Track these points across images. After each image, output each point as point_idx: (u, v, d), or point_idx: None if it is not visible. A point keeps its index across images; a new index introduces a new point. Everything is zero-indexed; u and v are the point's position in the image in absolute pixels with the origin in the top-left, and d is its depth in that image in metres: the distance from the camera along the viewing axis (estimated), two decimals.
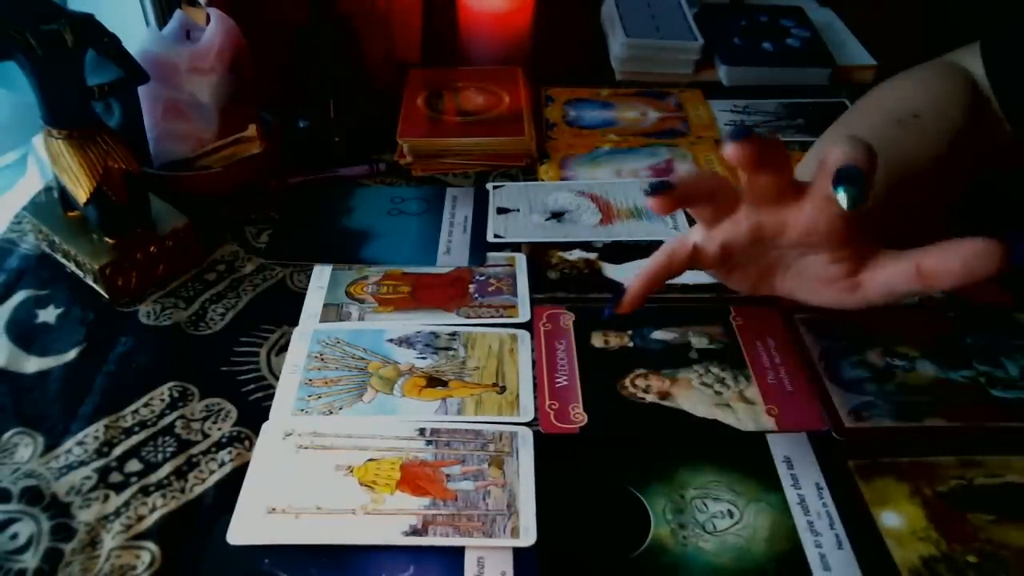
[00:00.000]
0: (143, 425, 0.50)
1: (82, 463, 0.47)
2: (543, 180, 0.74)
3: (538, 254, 0.65)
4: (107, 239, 0.58)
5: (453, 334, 0.57)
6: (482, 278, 0.62)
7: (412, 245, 0.66)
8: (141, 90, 0.61)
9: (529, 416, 0.51)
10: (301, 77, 0.75)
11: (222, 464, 0.48)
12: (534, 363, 0.55)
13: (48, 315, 0.58)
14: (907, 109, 0.55)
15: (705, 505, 0.46)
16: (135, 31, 0.69)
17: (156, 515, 0.45)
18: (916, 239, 0.41)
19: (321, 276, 0.62)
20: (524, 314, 0.59)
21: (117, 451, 0.48)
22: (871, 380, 0.54)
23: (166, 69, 0.66)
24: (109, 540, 0.43)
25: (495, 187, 0.73)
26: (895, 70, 0.63)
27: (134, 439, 0.49)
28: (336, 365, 0.54)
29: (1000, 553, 0.43)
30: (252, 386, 0.53)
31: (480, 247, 0.65)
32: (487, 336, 0.57)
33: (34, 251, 0.63)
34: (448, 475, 0.47)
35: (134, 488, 0.46)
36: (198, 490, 0.46)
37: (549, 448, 0.49)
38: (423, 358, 0.55)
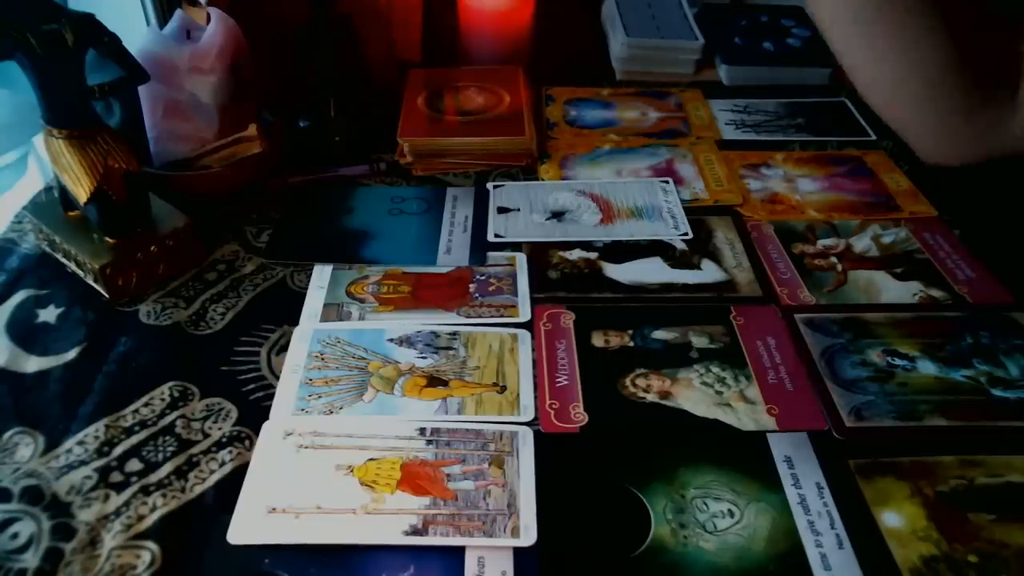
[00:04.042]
0: (143, 425, 0.50)
1: (82, 463, 0.47)
2: (543, 180, 0.74)
3: (538, 254, 0.65)
4: (107, 239, 0.58)
5: (453, 334, 0.57)
6: (482, 278, 0.62)
7: (412, 245, 0.65)
8: (141, 90, 0.61)
9: (529, 416, 0.51)
10: (301, 77, 0.75)
11: (222, 464, 0.48)
12: (534, 363, 0.55)
13: (48, 315, 0.58)
14: None
15: (706, 505, 0.46)
16: (135, 31, 0.69)
17: (156, 515, 0.45)
18: None
19: (321, 276, 0.62)
20: (524, 314, 0.59)
21: (117, 451, 0.48)
22: (871, 380, 0.54)
23: (166, 69, 0.66)
24: (109, 540, 0.43)
25: (495, 187, 0.73)
26: None
27: (134, 439, 0.49)
28: (336, 365, 0.54)
29: (1001, 553, 0.43)
30: (252, 386, 0.53)
31: (480, 247, 0.65)
32: (487, 336, 0.57)
33: (34, 251, 0.63)
34: (448, 475, 0.47)
35: (134, 488, 0.46)
36: (198, 490, 0.46)
37: (549, 448, 0.49)
38: (423, 358, 0.55)
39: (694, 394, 0.52)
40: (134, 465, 0.47)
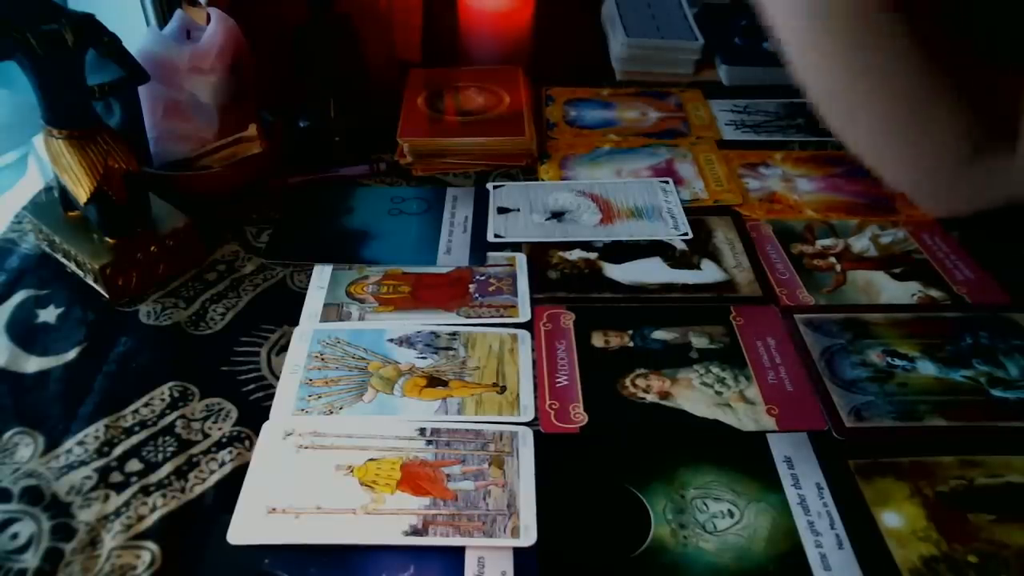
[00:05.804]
0: (143, 425, 0.50)
1: (82, 463, 0.47)
2: (543, 180, 0.74)
3: (538, 254, 0.65)
4: (107, 239, 0.58)
5: (453, 334, 0.57)
6: (482, 278, 0.62)
7: (412, 245, 0.66)
8: (141, 90, 0.61)
9: (529, 416, 0.51)
10: (301, 77, 0.75)
11: (222, 464, 0.48)
12: (534, 363, 0.55)
13: (48, 315, 0.58)
14: None
15: (705, 505, 0.46)
16: (135, 31, 0.69)
17: (156, 515, 0.45)
18: None
19: (321, 276, 0.62)
20: (524, 314, 0.59)
21: (117, 451, 0.48)
22: (871, 380, 0.54)
23: (166, 69, 0.66)
24: (109, 540, 0.43)
25: (495, 187, 0.73)
26: None
27: (134, 439, 0.49)
28: (336, 365, 0.54)
29: (1000, 553, 0.43)
30: (252, 386, 0.53)
31: (480, 247, 0.65)
32: (487, 336, 0.57)
33: (34, 251, 0.63)
34: (448, 475, 0.47)
35: (134, 488, 0.46)
36: (198, 490, 0.46)
37: (549, 448, 0.49)
38: (423, 358, 0.55)
39: (694, 394, 0.52)
40: (134, 465, 0.47)
